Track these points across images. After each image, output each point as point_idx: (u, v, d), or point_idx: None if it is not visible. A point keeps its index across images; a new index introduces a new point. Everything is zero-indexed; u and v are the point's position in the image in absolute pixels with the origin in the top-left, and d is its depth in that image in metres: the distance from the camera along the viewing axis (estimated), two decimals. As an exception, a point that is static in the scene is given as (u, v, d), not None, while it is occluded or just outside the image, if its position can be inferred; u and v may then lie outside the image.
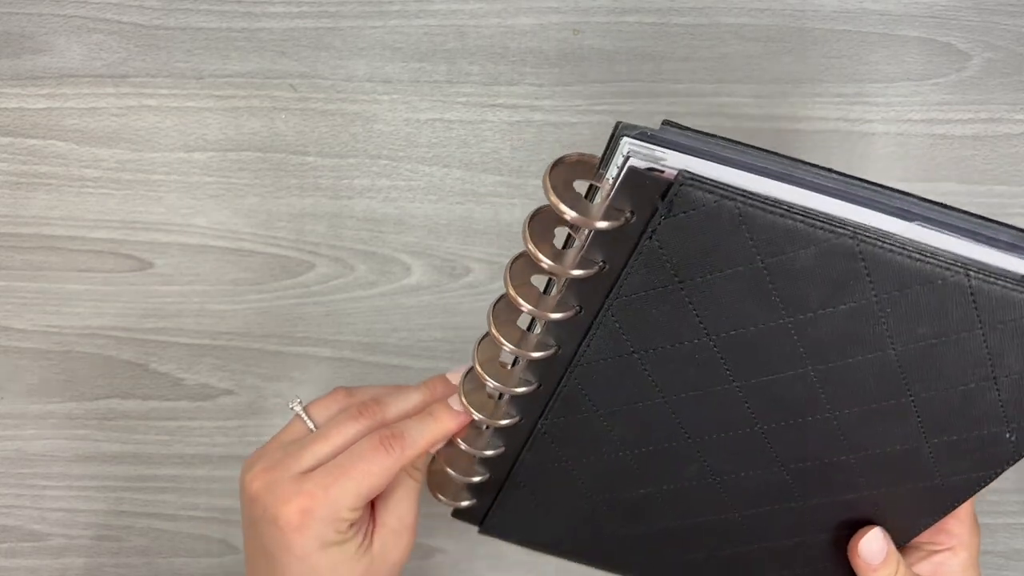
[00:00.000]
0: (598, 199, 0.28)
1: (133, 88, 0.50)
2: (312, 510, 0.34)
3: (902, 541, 0.39)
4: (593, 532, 0.42)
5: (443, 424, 0.38)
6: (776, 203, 0.27)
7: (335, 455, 0.36)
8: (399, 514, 0.38)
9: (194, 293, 0.51)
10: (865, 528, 0.38)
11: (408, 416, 0.38)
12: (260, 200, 0.51)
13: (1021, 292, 0.30)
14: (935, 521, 0.38)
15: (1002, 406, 0.33)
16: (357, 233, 0.51)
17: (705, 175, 0.27)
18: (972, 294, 0.30)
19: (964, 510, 0.39)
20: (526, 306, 0.32)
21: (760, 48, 0.50)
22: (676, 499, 0.38)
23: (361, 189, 0.50)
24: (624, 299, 0.31)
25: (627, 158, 0.27)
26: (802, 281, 0.29)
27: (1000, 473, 0.35)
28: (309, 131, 0.50)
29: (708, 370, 0.33)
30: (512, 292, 0.32)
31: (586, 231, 0.29)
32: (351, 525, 0.36)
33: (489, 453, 0.38)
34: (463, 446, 0.38)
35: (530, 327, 0.34)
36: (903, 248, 0.28)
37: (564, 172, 0.28)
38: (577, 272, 0.30)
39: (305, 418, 0.38)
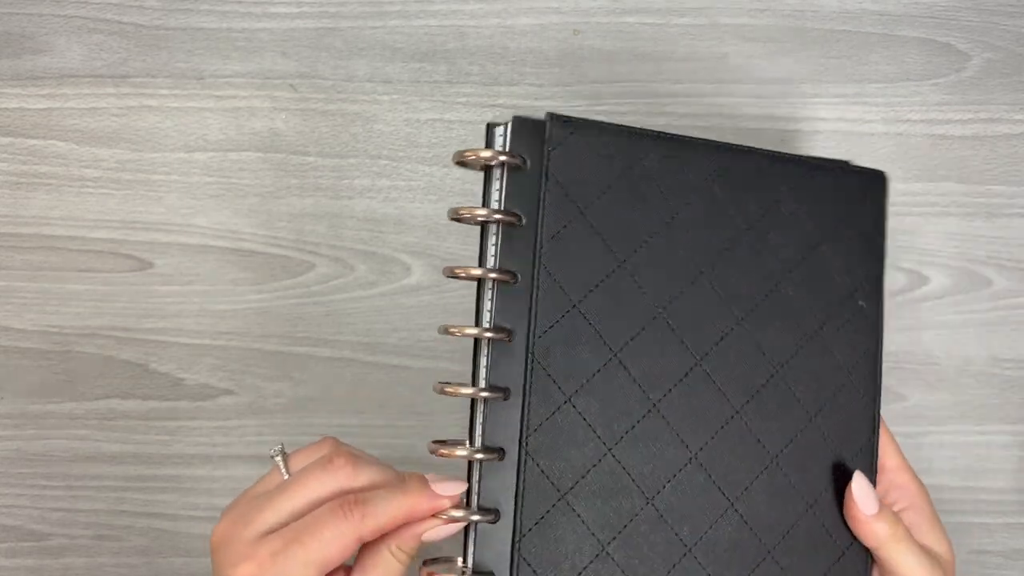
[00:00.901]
0: (497, 148, 0.36)
1: (133, 88, 0.50)
2: None
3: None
4: None
5: (412, 499, 0.34)
6: (619, 125, 0.38)
7: (298, 514, 0.34)
8: None
9: (194, 293, 0.51)
10: (849, 483, 0.38)
11: (380, 484, 0.35)
12: (260, 200, 0.51)
13: (809, 170, 0.39)
14: (874, 439, 0.40)
15: (838, 271, 0.40)
16: (357, 233, 0.51)
17: (567, 114, 0.37)
18: (764, 168, 0.39)
19: (899, 460, 0.40)
20: (474, 270, 0.36)
21: (760, 48, 0.50)
22: (674, 510, 0.37)
23: (361, 189, 0.50)
24: (548, 245, 0.36)
25: (512, 119, 0.36)
26: (656, 181, 0.37)
27: (878, 348, 0.40)
28: (309, 131, 0.50)
29: (634, 301, 0.37)
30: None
31: (497, 176, 0.36)
32: None
33: (477, 519, 0.35)
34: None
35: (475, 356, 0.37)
36: (706, 141, 0.39)
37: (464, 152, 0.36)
38: (501, 217, 0.35)
39: (281, 468, 0.36)
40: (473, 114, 0.50)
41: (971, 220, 0.50)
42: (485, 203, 0.36)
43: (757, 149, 0.39)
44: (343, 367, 0.51)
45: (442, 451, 0.35)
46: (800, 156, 0.41)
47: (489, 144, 0.37)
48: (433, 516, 0.35)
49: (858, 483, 0.38)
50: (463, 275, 0.35)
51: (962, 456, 0.51)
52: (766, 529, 0.38)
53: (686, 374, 0.38)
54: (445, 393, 0.35)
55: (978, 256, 0.50)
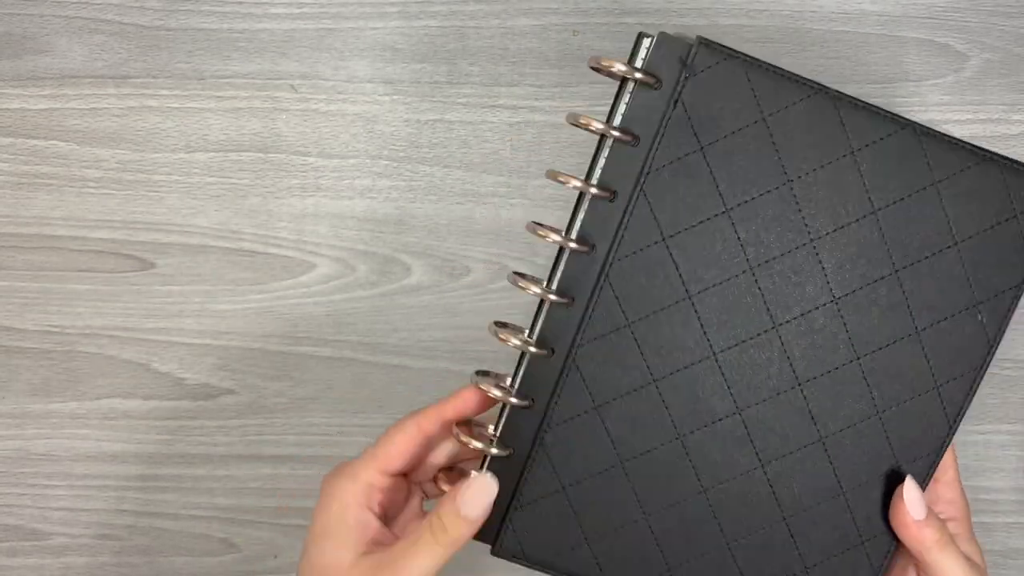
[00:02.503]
0: (637, 63, 0.35)
1: (134, 89, 0.50)
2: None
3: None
4: (623, 535, 0.39)
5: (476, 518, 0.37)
6: (772, 65, 0.35)
7: None
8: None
9: (195, 293, 0.51)
10: (900, 485, 0.38)
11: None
12: (261, 200, 0.51)
13: (974, 161, 0.36)
14: (941, 454, 0.39)
15: (968, 280, 0.37)
16: (358, 233, 0.51)
17: (717, 40, 0.35)
18: (923, 148, 0.36)
19: (954, 475, 0.40)
20: (574, 182, 0.36)
21: (759, 49, 0.50)
22: (701, 453, 0.38)
23: (362, 189, 0.51)
24: (655, 173, 0.35)
25: (658, 34, 0.35)
26: (796, 135, 0.35)
27: (981, 371, 0.38)
28: (310, 132, 0.50)
29: (727, 252, 0.36)
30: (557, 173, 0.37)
31: (629, 89, 0.35)
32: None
33: (515, 401, 0.37)
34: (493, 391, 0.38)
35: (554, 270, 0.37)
36: (866, 104, 0.36)
37: (600, 59, 0.35)
38: (618, 134, 0.35)
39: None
40: (473, 115, 0.50)
41: (970, 220, 0.51)
42: (610, 117, 0.36)
43: (924, 127, 0.36)
44: (343, 367, 0.51)
45: (501, 335, 0.37)
46: (971, 145, 0.37)
47: (634, 54, 0.35)
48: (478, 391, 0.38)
49: (909, 488, 0.38)
50: (563, 181, 0.36)
51: (961, 456, 0.51)
52: (788, 498, 0.38)
53: (758, 335, 0.37)
54: (517, 287, 0.37)
55: (977, 256, 0.51)
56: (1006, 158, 0.37)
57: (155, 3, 0.50)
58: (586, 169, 0.37)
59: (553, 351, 0.37)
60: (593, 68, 0.35)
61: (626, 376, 0.37)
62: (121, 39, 0.50)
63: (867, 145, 0.36)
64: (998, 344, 0.38)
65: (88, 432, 0.52)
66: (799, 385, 0.37)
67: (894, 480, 0.39)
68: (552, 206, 0.50)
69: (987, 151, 0.37)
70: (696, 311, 0.37)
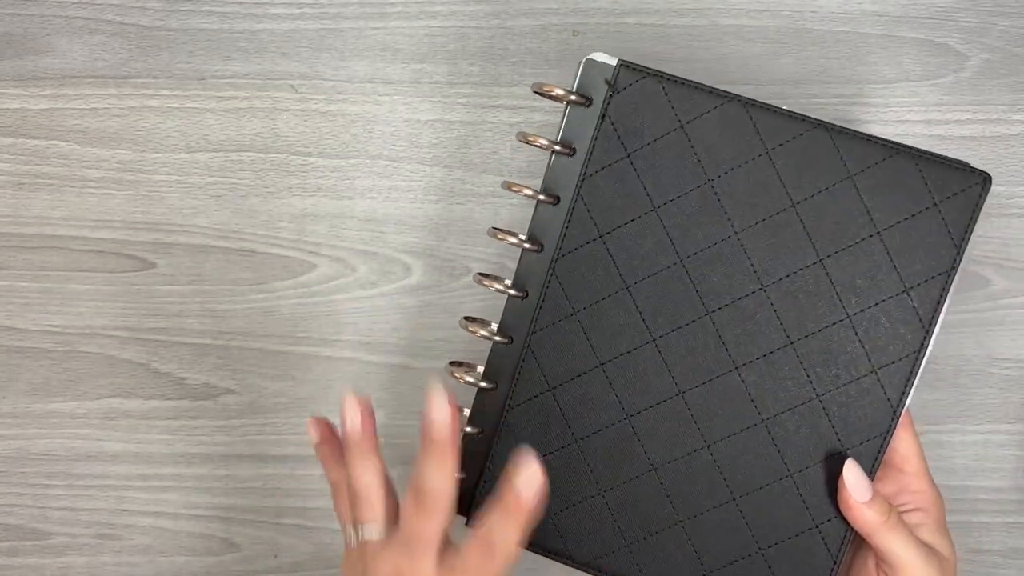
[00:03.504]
0: (567, 87, 0.41)
1: (135, 89, 0.51)
2: None
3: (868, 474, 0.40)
4: (582, 510, 0.42)
5: (444, 443, 0.39)
6: (687, 80, 0.40)
7: None
8: None
9: (196, 293, 0.51)
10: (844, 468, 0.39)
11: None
12: (261, 200, 0.51)
13: (886, 154, 0.39)
14: (887, 438, 0.40)
15: (894, 267, 0.39)
16: (358, 233, 0.51)
17: (637, 63, 0.40)
18: (835, 145, 0.39)
19: (919, 467, 0.41)
20: (525, 190, 0.41)
21: (759, 49, 0.50)
22: (649, 432, 0.41)
23: (362, 189, 0.51)
24: (590, 179, 0.40)
25: (585, 60, 0.41)
26: (713, 140, 0.40)
27: (919, 356, 0.39)
28: (310, 132, 0.51)
29: (658, 246, 0.40)
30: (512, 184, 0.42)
31: (565, 108, 0.41)
32: None
33: (482, 384, 0.42)
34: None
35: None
36: (776, 108, 0.39)
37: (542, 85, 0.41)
38: (558, 147, 0.41)
39: None
40: (473, 115, 0.50)
41: (969, 220, 0.51)
42: (558, 133, 0.41)
43: (837, 125, 0.39)
44: (344, 367, 0.51)
45: (470, 327, 0.42)
46: (884, 140, 0.39)
47: (576, 78, 0.41)
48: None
49: (850, 470, 0.39)
50: (517, 190, 0.41)
51: (960, 455, 0.51)
52: (737, 479, 0.41)
53: (692, 321, 0.40)
54: (480, 284, 0.42)
55: (977, 256, 0.51)
56: (919, 150, 0.39)
57: (156, 3, 0.50)
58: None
59: (512, 339, 0.42)
60: (536, 92, 0.41)
61: (575, 360, 0.41)
62: (122, 39, 0.50)
63: (780, 144, 0.39)
64: (934, 328, 0.40)
65: (89, 432, 0.52)
66: (736, 368, 0.40)
67: (841, 464, 0.39)
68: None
69: (900, 145, 0.39)
70: (634, 299, 0.41)
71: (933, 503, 0.41)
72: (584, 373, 0.41)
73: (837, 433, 0.40)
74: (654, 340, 0.41)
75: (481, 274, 0.43)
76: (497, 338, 0.42)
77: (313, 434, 0.43)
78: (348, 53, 0.50)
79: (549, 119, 0.50)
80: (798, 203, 0.39)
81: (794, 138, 0.39)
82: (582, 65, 0.41)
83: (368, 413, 0.40)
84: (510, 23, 0.50)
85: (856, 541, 0.41)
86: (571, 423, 0.42)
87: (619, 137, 0.40)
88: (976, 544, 0.51)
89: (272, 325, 0.51)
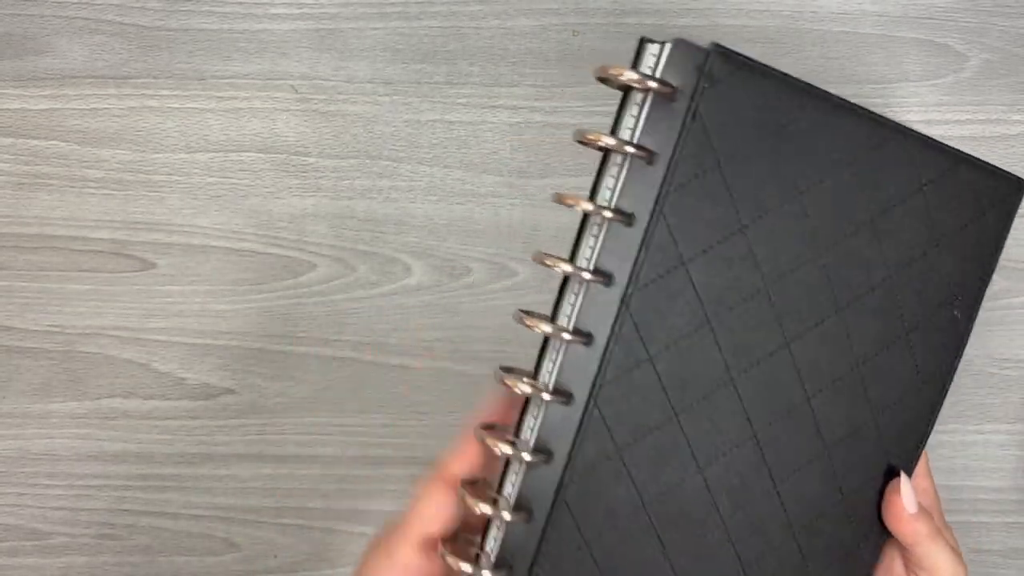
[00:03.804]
0: (648, 72, 0.32)
1: (135, 89, 0.51)
2: None
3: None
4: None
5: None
6: (785, 74, 0.33)
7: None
8: None
9: (196, 293, 0.51)
10: (893, 481, 0.39)
11: None
12: (261, 201, 0.51)
13: (955, 162, 0.36)
14: (922, 448, 0.39)
15: (945, 278, 0.37)
16: (358, 233, 0.51)
17: (734, 50, 0.32)
18: (913, 153, 0.36)
19: (924, 465, 0.41)
20: (584, 205, 0.32)
21: (759, 49, 0.50)
22: (721, 483, 0.36)
23: (362, 190, 0.51)
24: (675, 192, 0.32)
25: (673, 40, 0.32)
26: (807, 145, 0.34)
27: (956, 364, 0.39)
28: (310, 132, 0.51)
29: (744, 271, 0.34)
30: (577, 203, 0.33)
31: (636, 100, 0.32)
32: None
33: (530, 459, 0.33)
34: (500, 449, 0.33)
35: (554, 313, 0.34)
36: (871, 113, 0.35)
37: (608, 67, 0.32)
38: (632, 150, 0.32)
39: None
40: (473, 115, 0.50)
41: (969, 220, 0.51)
42: (614, 130, 0.33)
43: (912, 131, 0.36)
44: (344, 367, 0.51)
45: (507, 380, 0.33)
46: (947, 146, 0.37)
47: (636, 62, 0.32)
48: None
49: (904, 483, 0.39)
50: (571, 204, 0.32)
51: (960, 455, 0.51)
52: (798, 513, 0.38)
53: (771, 354, 0.35)
54: (524, 324, 0.33)
55: (976, 256, 0.51)
56: (975, 159, 0.38)
57: (156, 3, 0.50)
58: (590, 187, 0.34)
59: (571, 397, 0.33)
60: (600, 79, 0.32)
61: (648, 414, 0.34)
62: (122, 39, 0.50)
63: (867, 153, 0.35)
64: (968, 336, 0.39)
65: (88, 432, 0.52)
66: (808, 399, 0.36)
67: (885, 477, 0.39)
68: (552, 206, 0.50)
69: (961, 152, 0.37)
70: (715, 335, 0.34)
71: (936, 500, 0.42)
72: (656, 428, 0.34)
73: (885, 448, 0.39)
74: (732, 379, 0.35)
75: (525, 312, 0.34)
76: (551, 398, 0.33)
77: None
78: (348, 53, 0.50)
79: (550, 120, 0.50)
80: (876, 217, 0.36)
81: (879, 146, 0.35)
82: (668, 45, 0.31)
83: None
84: (510, 23, 0.50)
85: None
86: (640, 488, 0.34)
87: (710, 141, 0.32)
88: (976, 544, 0.51)
89: (272, 325, 0.51)
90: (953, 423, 0.51)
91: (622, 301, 0.32)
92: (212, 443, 0.52)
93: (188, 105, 0.51)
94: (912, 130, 0.36)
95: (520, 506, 0.34)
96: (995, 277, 0.50)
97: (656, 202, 0.32)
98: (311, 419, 0.51)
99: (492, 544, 0.34)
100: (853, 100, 0.50)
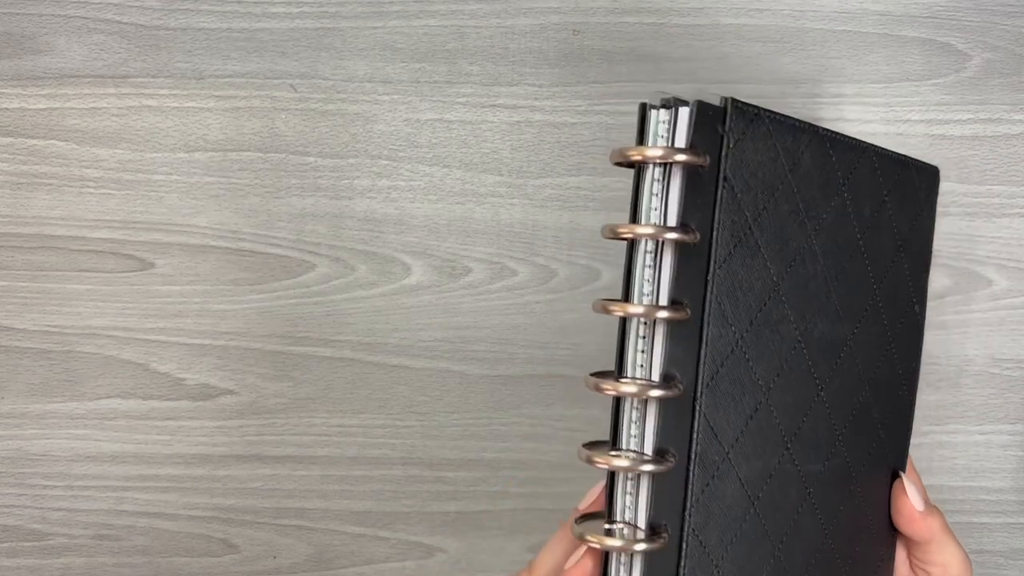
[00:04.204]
0: (676, 142, 0.29)
1: (134, 88, 0.50)
2: None
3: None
4: None
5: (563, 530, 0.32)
6: (782, 115, 0.30)
7: None
8: None
9: (195, 293, 0.51)
10: (896, 482, 0.39)
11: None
12: (261, 200, 0.51)
13: (903, 165, 0.37)
14: (907, 444, 0.40)
15: (908, 277, 0.38)
16: (357, 233, 0.51)
17: (743, 101, 0.29)
18: (877, 167, 0.35)
19: (910, 466, 0.41)
20: (640, 310, 0.28)
21: (760, 48, 0.50)
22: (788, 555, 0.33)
23: (361, 189, 0.51)
24: (721, 267, 0.29)
25: (695, 104, 0.28)
26: (806, 184, 0.32)
27: (919, 356, 0.40)
28: (309, 131, 0.50)
29: (784, 333, 0.32)
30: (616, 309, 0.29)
31: (659, 176, 0.28)
32: None
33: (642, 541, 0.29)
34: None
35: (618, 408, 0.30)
36: (842, 136, 0.33)
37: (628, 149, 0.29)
38: (677, 235, 0.28)
39: None
40: (473, 114, 0.50)
41: (971, 220, 0.50)
42: (636, 215, 0.29)
43: (870, 145, 0.35)
44: (343, 367, 0.51)
45: (590, 538, 0.29)
46: (889, 151, 0.36)
47: (643, 133, 0.29)
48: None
49: (908, 484, 0.39)
50: (620, 312, 0.28)
51: (962, 456, 0.51)
52: (843, 554, 0.36)
53: (810, 407, 0.33)
54: (592, 463, 0.29)
55: (978, 256, 0.50)
56: (917, 161, 0.38)
57: (154, 2, 0.50)
58: (623, 281, 0.29)
59: (666, 528, 0.29)
60: (618, 164, 0.29)
61: (733, 520, 0.30)
62: (120, 39, 0.50)
63: (848, 177, 0.34)
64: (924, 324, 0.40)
65: (87, 432, 0.51)
66: (837, 439, 0.35)
67: (888, 481, 0.39)
68: (552, 206, 0.50)
69: (906, 157, 0.38)
70: (772, 410, 0.31)
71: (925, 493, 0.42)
72: (740, 533, 0.31)
73: (886, 454, 0.39)
74: (789, 449, 0.32)
75: (595, 446, 0.30)
76: (641, 546, 0.28)
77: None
78: (347, 52, 0.50)
79: (550, 119, 0.50)
80: (862, 237, 0.35)
81: (854, 168, 0.34)
82: (692, 111, 0.28)
83: None
84: (510, 22, 0.50)
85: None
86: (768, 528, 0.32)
87: (739, 205, 0.29)
88: (977, 545, 0.51)
89: (271, 325, 0.51)
90: (954, 424, 0.51)
91: (694, 403, 0.28)
92: (211, 444, 0.51)
93: (187, 104, 0.50)
94: (869, 144, 0.35)
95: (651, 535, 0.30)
96: (997, 277, 0.50)
97: (705, 283, 0.28)
98: (310, 419, 0.51)
99: None
100: (854, 99, 0.50)
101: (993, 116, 0.50)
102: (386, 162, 0.50)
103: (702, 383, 0.28)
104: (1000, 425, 0.51)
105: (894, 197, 0.37)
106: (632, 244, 0.29)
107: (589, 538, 0.29)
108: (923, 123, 0.50)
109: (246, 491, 0.52)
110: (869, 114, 0.50)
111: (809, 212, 0.32)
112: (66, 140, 0.51)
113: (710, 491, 0.29)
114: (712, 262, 0.28)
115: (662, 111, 0.28)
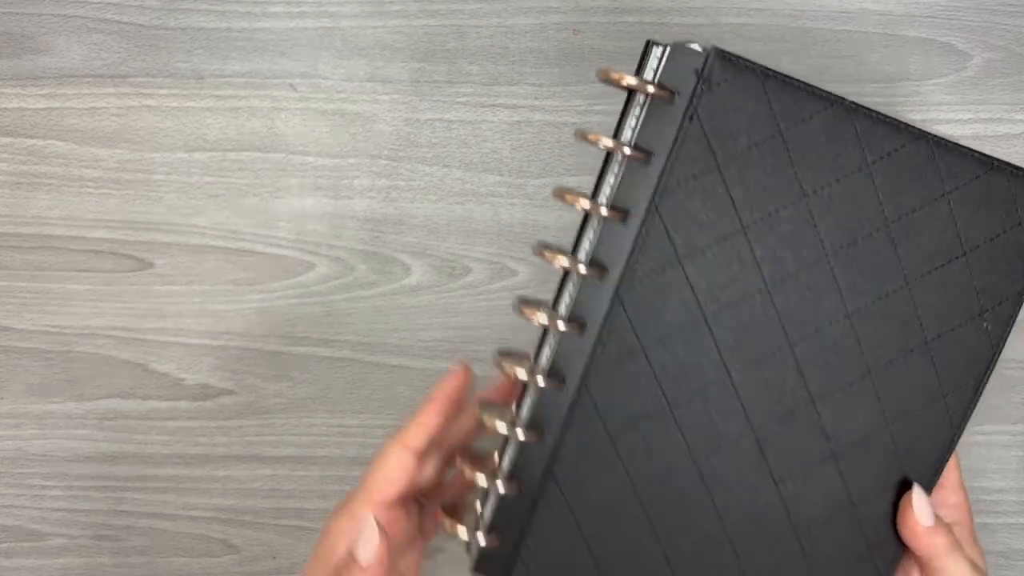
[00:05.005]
0: (647, 76, 0.34)
1: (133, 88, 0.50)
2: None
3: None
4: (638, 567, 0.38)
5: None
6: (789, 76, 0.34)
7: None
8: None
9: (194, 293, 0.51)
10: (907, 493, 0.38)
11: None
12: (260, 200, 0.51)
13: (983, 169, 0.36)
14: (945, 460, 0.39)
15: (975, 289, 0.37)
16: (357, 233, 0.51)
17: (735, 53, 0.33)
18: (935, 159, 0.36)
19: (956, 479, 0.40)
20: (583, 201, 0.34)
21: (760, 48, 0.50)
22: (717, 477, 0.37)
23: (361, 189, 0.50)
24: (670, 191, 0.34)
25: (672, 44, 0.33)
26: (812, 149, 0.34)
27: (985, 378, 0.38)
28: (309, 131, 0.50)
29: (744, 272, 0.35)
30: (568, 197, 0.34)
31: (639, 102, 0.34)
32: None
33: (524, 438, 0.36)
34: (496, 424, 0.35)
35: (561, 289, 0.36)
36: (880, 115, 0.35)
37: (610, 71, 0.34)
38: (630, 151, 0.33)
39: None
40: (473, 114, 0.50)
41: (972, 220, 0.50)
42: (617, 131, 0.34)
43: (937, 137, 0.36)
44: (343, 367, 0.51)
45: (505, 363, 0.35)
46: (976, 152, 0.37)
47: (642, 65, 0.34)
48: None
49: (917, 496, 0.38)
50: (571, 201, 0.34)
51: (962, 456, 0.51)
52: (801, 515, 0.38)
53: (772, 354, 0.36)
54: (521, 313, 0.35)
55: (979, 256, 0.50)
56: (1012, 165, 0.37)
57: (154, 2, 0.50)
58: (593, 184, 0.35)
59: (564, 381, 0.35)
60: (602, 80, 0.34)
61: (640, 403, 0.36)
62: (120, 38, 0.50)
63: (881, 157, 0.35)
64: (1001, 351, 0.38)
65: (86, 432, 0.51)
66: (813, 402, 0.37)
67: (901, 489, 0.38)
68: (552, 206, 0.50)
69: (995, 159, 0.36)
70: (712, 333, 0.35)
71: (967, 514, 0.41)
72: (649, 417, 0.36)
73: (900, 459, 0.38)
74: (730, 376, 0.36)
75: (523, 300, 0.36)
76: (544, 383, 0.35)
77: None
78: (347, 52, 0.50)
79: (550, 119, 0.50)
80: (892, 223, 0.36)
81: (895, 150, 0.35)
82: (666, 51, 0.33)
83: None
84: (510, 22, 0.50)
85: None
86: (631, 473, 0.36)
87: (709, 142, 0.34)
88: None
89: (271, 325, 0.51)
90: (955, 424, 0.51)
91: (615, 294, 0.34)
92: (210, 444, 0.51)
93: (186, 104, 0.50)
94: (934, 135, 0.36)
95: (513, 477, 0.36)
96: (998, 277, 0.50)
97: (651, 200, 0.34)
98: (310, 420, 0.51)
99: (487, 511, 0.37)
100: (855, 99, 0.50)
101: (994, 116, 0.50)
102: (386, 162, 0.50)
103: (627, 279, 0.34)
104: (1001, 425, 0.51)
105: (964, 199, 0.36)
106: (608, 155, 0.34)
107: (505, 364, 0.35)
108: (924, 123, 0.50)
109: (245, 491, 0.51)
110: (870, 114, 0.50)
111: (808, 175, 0.35)
112: (65, 140, 0.50)
113: (619, 367, 0.35)
114: (660, 182, 0.34)
115: (657, 48, 0.33)
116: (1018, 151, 0.50)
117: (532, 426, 0.36)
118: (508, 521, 0.36)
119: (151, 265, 0.51)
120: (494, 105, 0.50)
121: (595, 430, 0.36)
